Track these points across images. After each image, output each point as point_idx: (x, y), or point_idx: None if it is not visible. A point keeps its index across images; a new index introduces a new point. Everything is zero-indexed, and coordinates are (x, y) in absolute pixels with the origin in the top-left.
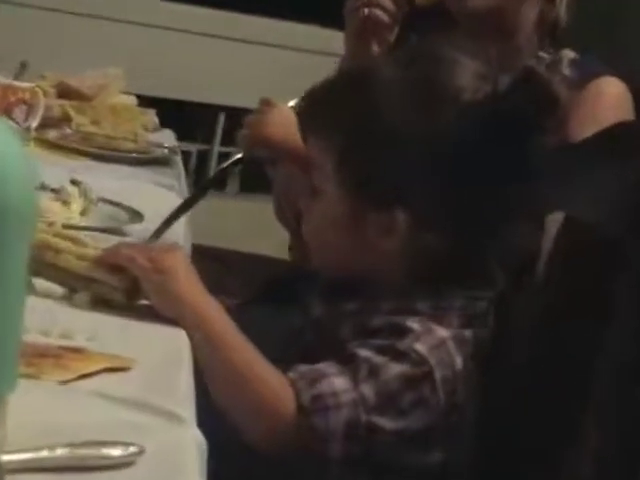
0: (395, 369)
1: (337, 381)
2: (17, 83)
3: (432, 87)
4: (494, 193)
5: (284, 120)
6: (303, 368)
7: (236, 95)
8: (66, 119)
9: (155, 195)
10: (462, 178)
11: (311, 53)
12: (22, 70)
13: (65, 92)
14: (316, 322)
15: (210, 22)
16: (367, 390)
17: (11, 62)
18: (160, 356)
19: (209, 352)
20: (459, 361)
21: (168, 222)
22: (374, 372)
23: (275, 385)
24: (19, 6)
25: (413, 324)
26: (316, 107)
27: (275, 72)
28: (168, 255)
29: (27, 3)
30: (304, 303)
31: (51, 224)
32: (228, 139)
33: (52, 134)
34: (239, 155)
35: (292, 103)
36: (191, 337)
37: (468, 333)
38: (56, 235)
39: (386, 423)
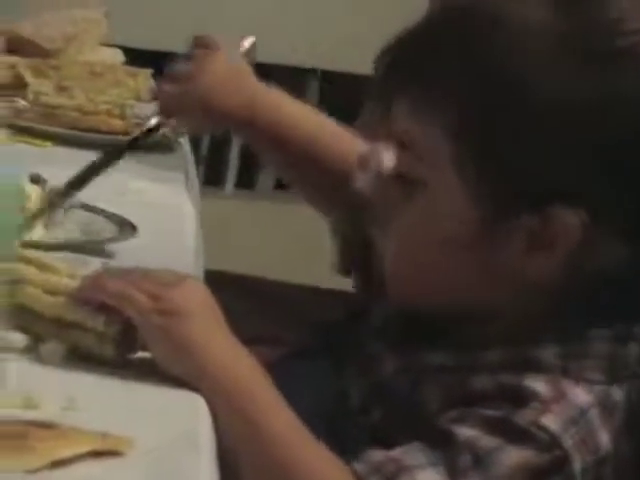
0: (513, 456)
1: (425, 475)
2: None
3: (597, 33)
4: None
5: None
6: (375, 456)
7: (268, 43)
8: (19, 86)
9: (153, 196)
10: None
11: None
12: None
13: (16, 45)
14: (388, 384)
15: None
16: None
17: None
18: (168, 435)
19: (241, 431)
20: (606, 439)
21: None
22: (481, 460)
23: None
24: None
25: (537, 385)
26: (414, 63)
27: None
28: (178, 288)
29: None
30: (367, 355)
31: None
32: None
33: None
34: (154, 120)
35: (247, 44)
36: (213, 408)
37: (617, 393)
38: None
39: None
